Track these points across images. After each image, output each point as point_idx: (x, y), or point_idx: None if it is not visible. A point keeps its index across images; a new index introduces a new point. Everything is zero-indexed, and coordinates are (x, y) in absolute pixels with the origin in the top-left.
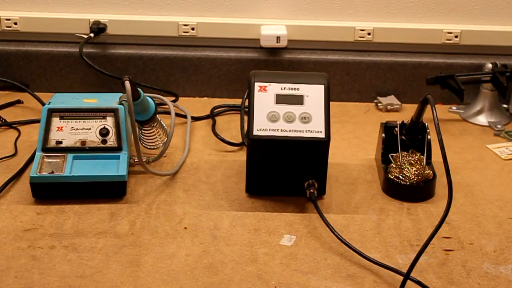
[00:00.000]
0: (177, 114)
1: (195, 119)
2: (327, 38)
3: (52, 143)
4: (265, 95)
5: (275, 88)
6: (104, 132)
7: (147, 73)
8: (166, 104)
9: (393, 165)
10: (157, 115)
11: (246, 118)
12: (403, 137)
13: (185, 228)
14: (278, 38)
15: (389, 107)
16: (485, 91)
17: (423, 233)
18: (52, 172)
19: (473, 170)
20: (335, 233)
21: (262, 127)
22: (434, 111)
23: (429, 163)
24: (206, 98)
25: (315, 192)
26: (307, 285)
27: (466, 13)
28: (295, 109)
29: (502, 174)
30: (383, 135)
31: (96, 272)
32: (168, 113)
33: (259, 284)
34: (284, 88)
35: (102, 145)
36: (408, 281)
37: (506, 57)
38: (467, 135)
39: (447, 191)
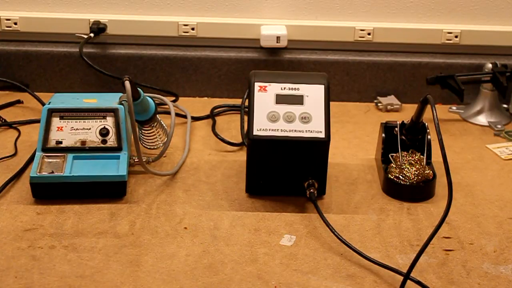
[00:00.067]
0: (177, 114)
1: (195, 119)
2: (327, 38)
3: (52, 143)
4: (265, 95)
5: (275, 88)
6: (104, 132)
7: (147, 73)
8: (166, 104)
9: (393, 165)
10: (157, 115)
11: (246, 118)
12: (403, 137)
13: (185, 228)
14: (278, 38)
15: (389, 107)
16: (485, 91)
17: (423, 233)
18: (52, 172)
19: (473, 170)
20: (335, 233)
21: (262, 127)
22: (434, 111)
23: (429, 163)
24: (206, 98)
25: (315, 192)
26: (307, 285)
27: (466, 13)
28: (295, 109)
29: (502, 174)
30: (383, 135)
31: (96, 272)
32: (168, 113)
33: (259, 284)
34: (284, 88)
35: (102, 145)
36: (408, 281)
37: (506, 57)
38: (467, 135)
39: (447, 191)
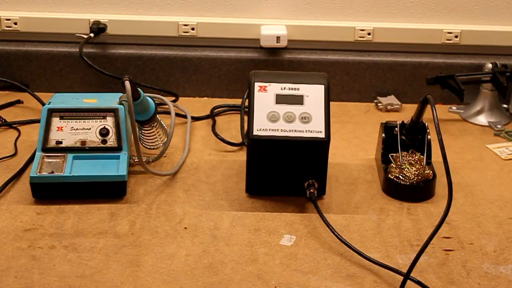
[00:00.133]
0: (177, 114)
1: (195, 119)
2: (327, 38)
3: (52, 143)
4: (265, 95)
5: (275, 88)
6: (104, 132)
7: (147, 73)
8: (166, 104)
9: (393, 165)
10: (157, 115)
11: (246, 118)
12: (403, 137)
13: (185, 228)
14: (278, 38)
15: (389, 107)
16: (485, 91)
17: (423, 233)
18: (52, 172)
19: (473, 170)
20: (335, 233)
21: (262, 127)
22: (434, 111)
23: (429, 163)
24: (206, 98)
25: (315, 192)
26: (307, 285)
27: (466, 13)
28: (295, 109)
29: (502, 174)
30: (383, 135)
31: (96, 272)
32: (168, 113)
33: (259, 284)
34: (284, 88)
35: (102, 145)
36: (408, 281)
37: (506, 57)
38: (467, 135)
39: (447, 191)
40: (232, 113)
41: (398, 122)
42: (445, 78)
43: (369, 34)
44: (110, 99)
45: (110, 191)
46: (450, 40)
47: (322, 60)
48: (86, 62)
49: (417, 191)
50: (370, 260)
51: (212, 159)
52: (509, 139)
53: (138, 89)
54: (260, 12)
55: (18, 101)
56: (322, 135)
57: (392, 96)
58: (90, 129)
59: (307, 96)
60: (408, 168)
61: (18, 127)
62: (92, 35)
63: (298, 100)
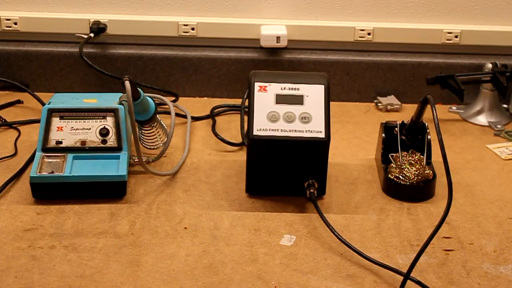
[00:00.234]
0: (177, 114)
1: (195, 119)
2: (327, 38)
3: (52, 143)
4: (265, 95)
5: (275, 88)
6: (104, 132)
7: (147, 73)
8: (166, 104)
9: (393, 165)
10: (157, 115)
11: (246, 118)
12: (403, 137)
13: (185, 228)
14: (278, 38)
15: (389, 107)
16: (485, 91)
17: (423, 233)
18: (52, 172)
19: (473, 170)
20: (335, 233)
21: (262, 127)
22: (434, 111)
23: (429, 163)
24: (206, 98)
25: (315, 192)
26: (307, 285)
27: (466, 13)
28: (295, 109)
29: (502, 174)
30: (383, 135)
31: (96, 272)
32: (168, 113)
33: (259, 284)
34: (284, 88)
35: (102, 145)
36: (408, 281)
37: (506, 57)
38: (467, 135)
39: (447, 191)
40: (232, 113)
41: (398, 122)
42: (445, 78)
43: (369, 34)
44: (110, 99)
45: (110, 191)
46: (450, 40)
47: (322, 60)
48: (86, 62)
49: (417, 191)
50: (370, 260)
51: (212, 159)
52: (509, 139)
53: (138, 89)
54: (260, 12)
55: (18, 101)
56: (322, 135)
57: (392, 96)
58: (90, 129)
59: (307, 96)
60: (408, 168)
61: (18, 127)
62: (92, 35)
63: (298, 100)
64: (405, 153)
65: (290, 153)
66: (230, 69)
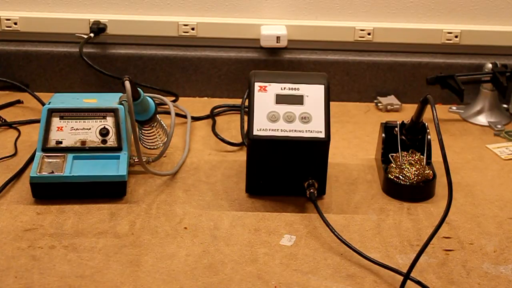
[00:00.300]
0: (177, 114)
1: (195, 119)
2: (327, 38)
3: (52, 143)
4: (265, 95)
5: (275, 88)
6: (104, 132)
7: (147, 73)
8: (166, 104)
9: (393, 165)
10: (157, 115)
11: (246, 118)
12: (403, 137)
13: (185, 228)
14: (278, 38)
15: (389, 107)
16: (485, 91)
17: (423, 233)
18: (52, 172)
19: (473, 170)
20: (335, 233)
21: (262, 127)
22: (434, 111)
23: (429, 163)
24: (206, 98)
25: (315, 192)
26: (307, 285)
27: (466, 13)
28: (295, 109)
29: (502, 174)
30: (383, 135)
31: (96, 272)
32: (168, 113)
33: (259, 284)
34: (284, 88)
35: (102, 145)
36: (408, 281)
37: (506, 57)
38: (467, 135)
39: (447, 191)
40: (232, 113)
41: (398, 122)
42: (445, 78)
43: (369, 34)
44: (110, 99)
45: (110, 191)
46: (450, 40)
47: (322, 60)
48: (86, 62)
49: (417, 191)
50: (370, 260)
51: (212, 159)
52: (509, 139)
53: (138, 89)
54: (260, 12)
55: (18, 101)
56: (322, 135)
57: (392, 96)
58: (90, 129)
59: (307, 96)
60: (408, 168)
61: (18, 127)
62: (92, 35)
63: (298, 100)
64: (405, 153)
65: (290, 153)
66: (230, 69)
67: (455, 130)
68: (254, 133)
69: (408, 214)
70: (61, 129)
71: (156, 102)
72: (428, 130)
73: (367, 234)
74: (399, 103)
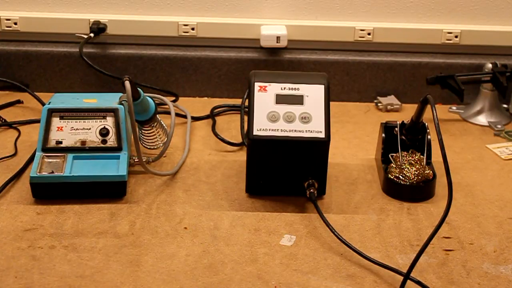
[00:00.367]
0: (177, 114)
1: (195, 119)
2: (327, 38)
3: (52, 143)
4: (265, 95)
5: (275, 88)
6: (104, 132)
7: (147, 73)
8: (166, 104)
9: (393, 165)
10: (157, 115)
11: (246, 118)
12: (403, 137)
13: (185, 228)
14: (278, 38)
15: (389, 107)
16: (485, 91)
17: (423, 233)
18: (52, 172)
19: (473, 170)
20: (335, 233)
21: (262, 127)
22: (434, 111)
23: (429, 163)
24: (206, 98)
25: (315, 192)
26: (307, 285)
27: (466, 13)
28: (295, 109)
29: (502, 174)
30: (383, 135)
31: (96, 272)
32: (168, 113)
33: (259, 284)
34: (284, 88)
35: (102, 145)
36: (408, 281)
37: (506, 57)
38: (467, 135)
39: (447, 191)
40: (232, 113)
41: (398, 122)
42: (445, 78)
43: (369, 34)
44: (110, 99)
45: (110, 191)
46: (450, 40)
47: (322, 60)
48: (86, 62)
49: (417, 191)
50: (370, 260)
51: (212, 159)
52: (509, 139)
53: (138, 89)
54: (260, 12)
55: (18, 101)
56: (322, 135)
57: (392, 96)
58: (90, 129)
59: (307, 96)
60: (408, 168)
61: (18, 127)
62: (92, 35)
63: (298, 100)
64: (405, 153)
65: (290, 153)
66: (230, 69)
67: (455, 130)
68: (254, 133)
69: (408, 214)
70: (61, 129)
71: (156, 102)
72: (428, 130)
73: (367, 234)
74: (399, 103)
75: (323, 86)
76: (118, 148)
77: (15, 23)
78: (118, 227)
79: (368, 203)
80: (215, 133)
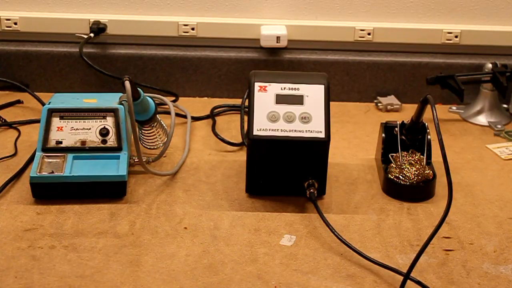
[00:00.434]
0: (177, 114)
1: (195, 119)
2: (327, 38)
3: (52, 143)
4: (265, 95)
5: (275, 88)
6: (104, 132)
7: (147, 73)
8: (166, 104)
9: (393, 165)
10: (157, 115)
11: (246, 118)
12: (403, 137)
13: (185, 228)
14: (278, 38)
15: (389, 107)
16: (485, 91)
17: (423, 233)
18: (52, 172)
19: (473, 170)
20: (335, 233)
21: (262, 127)
22: (434, 111)
23: (429, 163)
24: (206, 98)
25: (315, 192)
26: (307, 285)
27: (466, 13)
28: (295, 109)
29: (502, 174)
30: (383, 135)
31: (96, 272)
32: (168, 113)
33: (259, 284)
34: (284, 88)
35: (102, 145)
36: (408, 281)
37: (506, 57)
38: (467, 135)
39: (447, 191)
40: (232, 113)
41: (398, 122)
42: (445, 78)
43: (369, 34)
44: (110, 99)
45: (110, 191)
46: (450, 40)
47: (322, 60)
48: (86, 62)
49: (417, 191)
50: (370, 260)
51: (212, 159)
52: (509, 139)
53: (138, 89)
54: (260, 12)
55: (18, 101)
56: (322, 135)
57: (392, 96)
58: (90, 129)
59: (307, 96)
60: (408, 168)
61: (18, 127)
62: (92, 35)
63: (298, 100)
64: (405, 153)
65: (290, 153)
66: (230, 69)
67: (455, 130)
68: (254, 133)
69: (408, 214)
70: (61, 129)
71: (156, 102)
72: (428, 130)
73: (367, 234)
74: (399, 103)
75: (323, 86)
76: (118, 148)
77: (15, 23)
78: (118, 227)
79: (368, 203)
80: (215, 133)
